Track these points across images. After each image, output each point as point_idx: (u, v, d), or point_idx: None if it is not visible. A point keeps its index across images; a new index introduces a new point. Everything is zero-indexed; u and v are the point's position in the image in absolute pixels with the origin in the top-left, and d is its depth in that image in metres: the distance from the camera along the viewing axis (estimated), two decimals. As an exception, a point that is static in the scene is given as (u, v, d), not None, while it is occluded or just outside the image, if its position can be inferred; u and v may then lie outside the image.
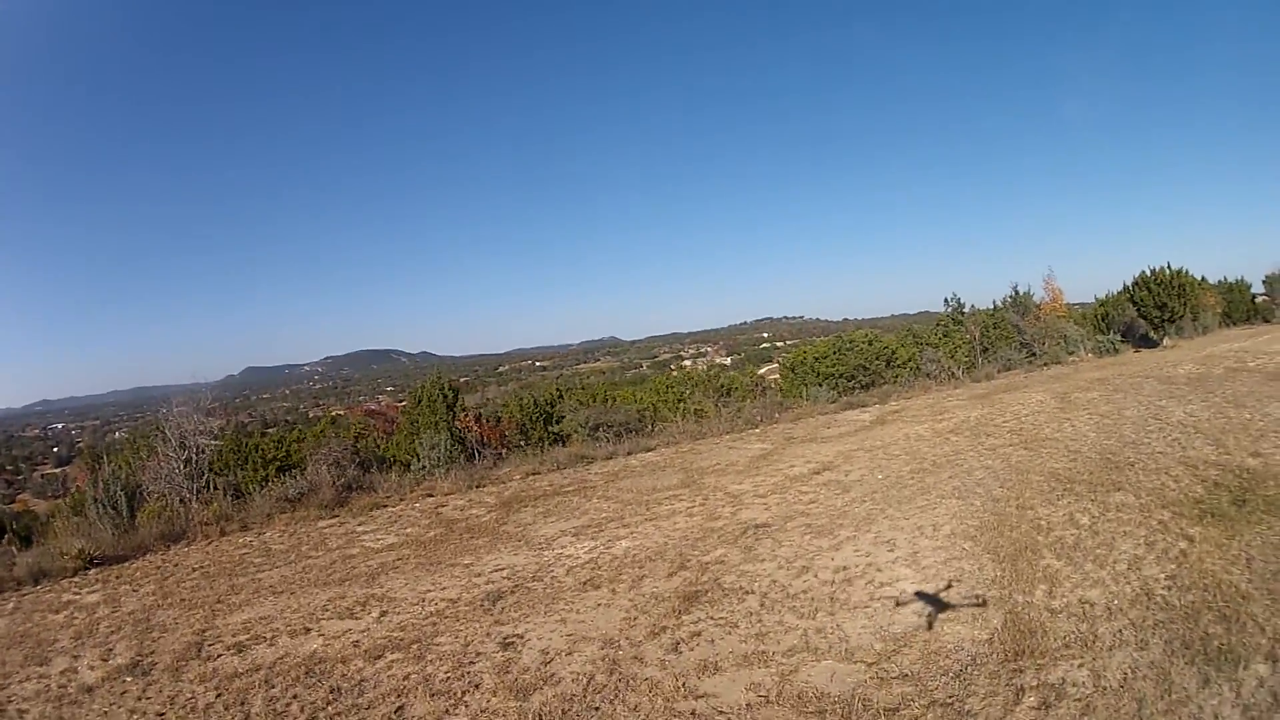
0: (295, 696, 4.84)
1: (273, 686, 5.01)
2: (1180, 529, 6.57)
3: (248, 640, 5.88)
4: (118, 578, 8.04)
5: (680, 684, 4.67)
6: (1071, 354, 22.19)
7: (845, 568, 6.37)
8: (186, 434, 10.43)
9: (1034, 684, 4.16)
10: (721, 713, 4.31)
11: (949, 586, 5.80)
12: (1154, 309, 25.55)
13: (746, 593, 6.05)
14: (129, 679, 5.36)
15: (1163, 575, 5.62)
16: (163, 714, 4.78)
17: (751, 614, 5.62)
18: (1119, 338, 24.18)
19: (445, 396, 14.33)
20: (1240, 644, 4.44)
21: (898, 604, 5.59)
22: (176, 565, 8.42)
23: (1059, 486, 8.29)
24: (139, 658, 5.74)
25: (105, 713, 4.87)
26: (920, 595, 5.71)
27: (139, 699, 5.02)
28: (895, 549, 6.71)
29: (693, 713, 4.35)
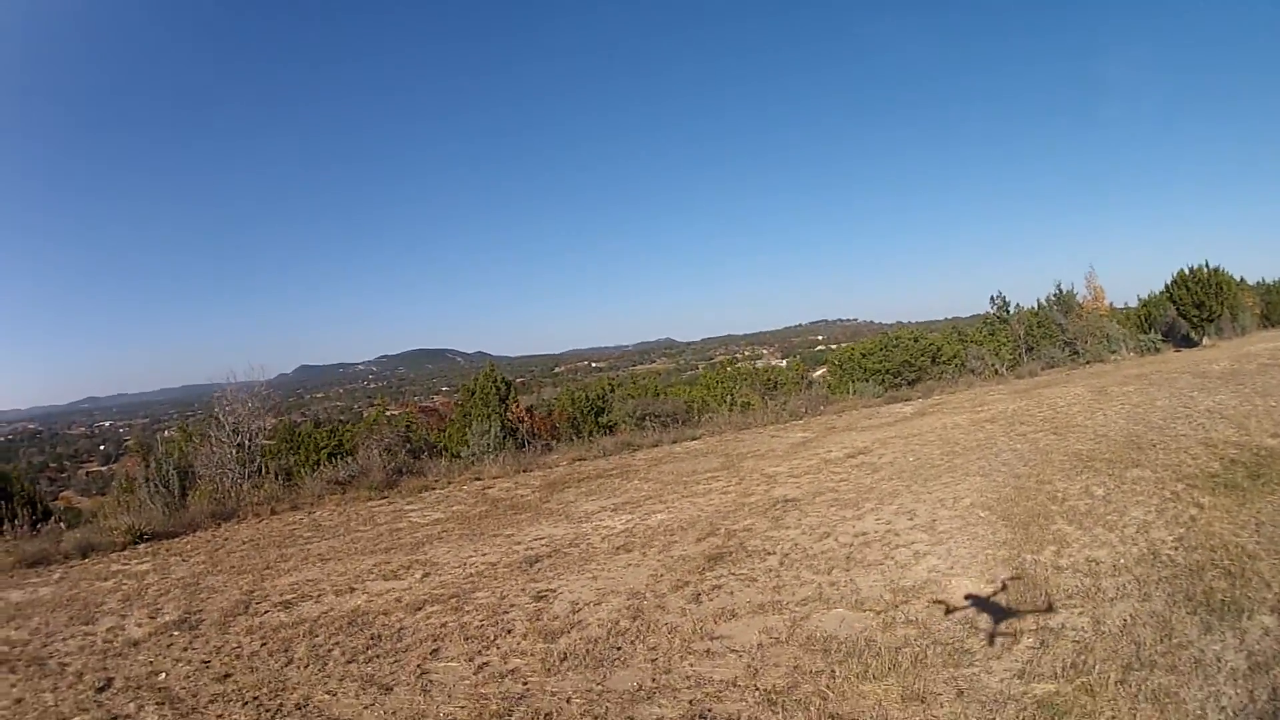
0: (337, 644, 5.36)
1: (316, 636, 5.53)
2: (1192, 498, 6.85)
3: (294, 599, 6.41)
4: (167, 551, 8.57)
5: (698, 628, 5.13)
6: (1113, 352, 22.42)
7: (864, 534, 6.77)
8: (241, 420, 11.11)
9: (1033, 628, 4.47)
10: (734, 651, 4.75)
11: (963, 551, 6.14)
12: (1192, 308, 25.82)
13: (768, 554, 6.49)
14: (176, 633, 5.85)
15: (1170, 538, 5.90)
16: (208, 662, 5.26)
17: (771, 571, 6.06)
18: (1160, 337, 24.44)
19: (498, 389, 14.96)
20: (1245, 597, 4.69)
21: (913, 560, 5.96)
22: (226, 539, 8.98)
23: (1080, 464, 8.57)
24: (187, 615, 6.23)
25: (150, 663, 5.33)
26: (933, 557, 6.06)
27: (185, 649, 5.51)
28: (915, 518, 7.09)
29: (708, 651, 4.81)
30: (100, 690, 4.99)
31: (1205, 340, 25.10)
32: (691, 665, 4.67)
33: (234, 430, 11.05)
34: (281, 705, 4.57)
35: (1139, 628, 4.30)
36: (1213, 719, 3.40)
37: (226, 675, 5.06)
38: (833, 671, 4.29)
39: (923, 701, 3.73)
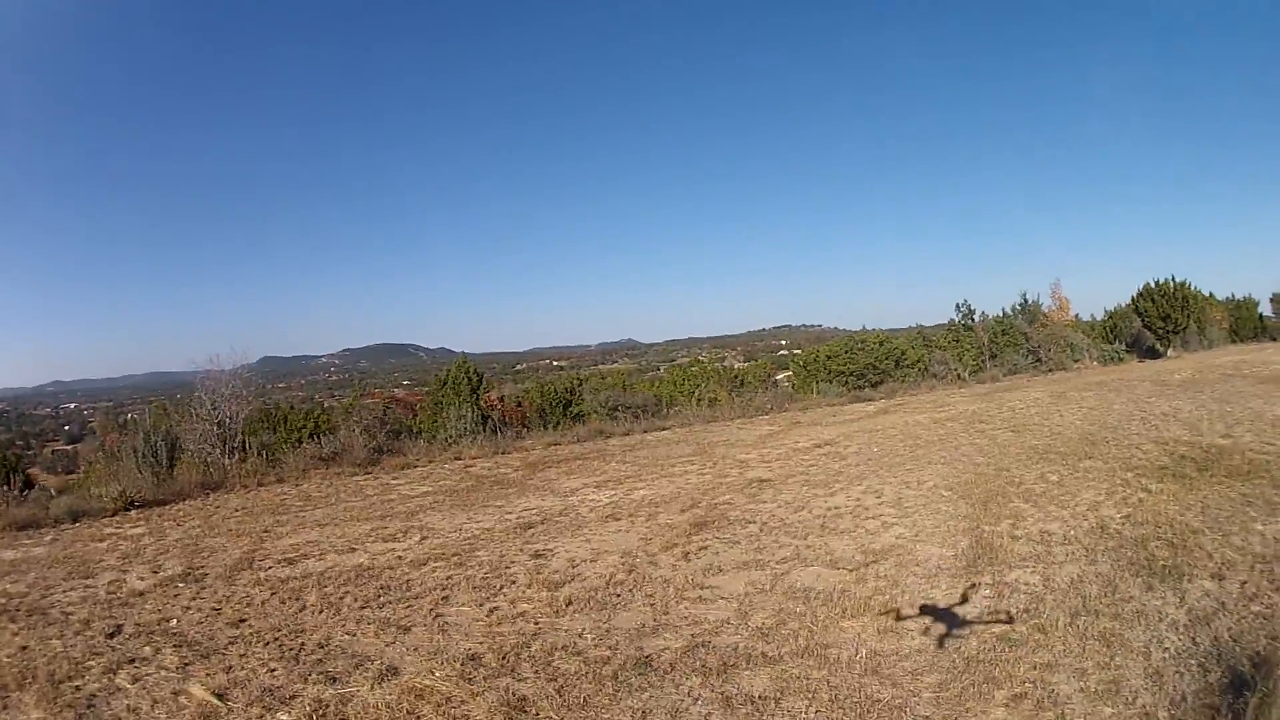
0: (348, 593, 5.75)
1: (325, 586, 5.91)
2: (1141, 484, 7.58)
3: (296, 557, 6.75)
4: (159, 516, 8.75)
5: (689, 580, 5.71)
6: (1076, 361, 23.31)
7: (835, 508, 7.48)
8: (219, 400, 11.25)
9: (990, 582, 5.10)
10: (724, 598, 5.37)
11: (927, 523, 6.88)
12: (1158, 320, 26.52)
13: (749, 522, 7.14)
14: (181, 585, 6.12)
15: (1118, 515, 6.51)
16: (218, 609, 5.57)
17: (752, 536, 6.70)
18: (1124, 348, 25.26)
19: (470, 380, 15.44)
20: (1186, 564, 5.12)
21: (881, 530, 6.67)
22: (218, 507, 9.19)
23: (1036, 456, 9.43)
24: (190, 569, 6.49)
25: (159, 609, 5.60)
26: (900, 527, 6.78)
27: (193, 599, 5.78)
28: (881, 497, 7.83)
29: (700, 598, 5.40)
30: (110, 636, 5.26)
31: (1170, 352, 26.00)
32: (687, 609, 5.25)
33: (213, 407, 11.20)
34: (303, 645, 4.96)
35: (1086, 585, 4.81)
36: (1156, 657, 3.79)
37: (241, 620, 5.40)
38: (814, 613, 4.91)
39: (895, 634, 4.35)
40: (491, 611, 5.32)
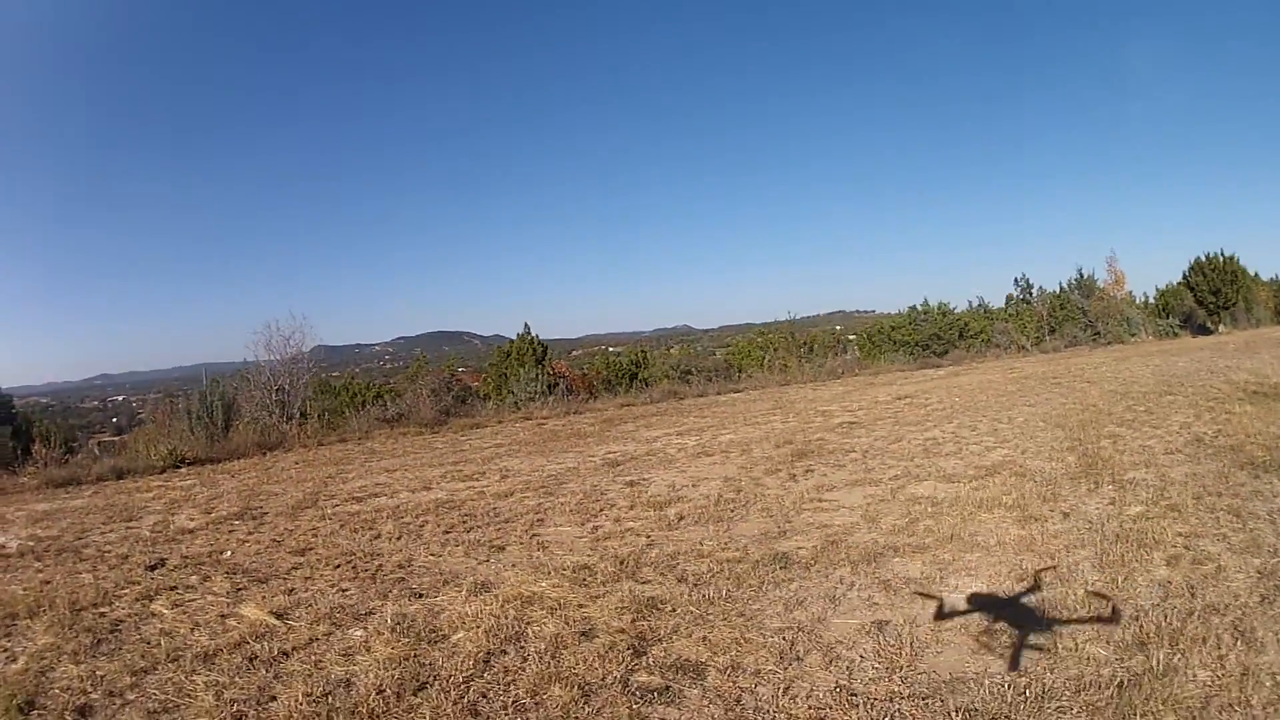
0: (426, 522, 4.33)
1: (402, 517, 4.48)
2: (1224, 409, 6.54)
3: (365, 495, 5.28)
4: (213, 471, 7.11)
5: (804, 495, 4.42)
6: (1133, 335, 20.81)
7: (933, 438, 6.18)
8: (278, 374, 9.66)
9: (1109, 482, 4.23)
10: (844, 507, 4.15)
11: (1029, 445, 5.62)
12: (1209, 294, 23.91)
13: (849, 452, 5.80)
14: (237, 523, 4.70)
15: (1210, 431, 5.60)
16: (279, 541, 4.18)
17: (856, 461, 5.40)
18: (1178, 323, 22.50)
19: (534, 351, 13.49)
20: None
21: (985, 451, 5.38)
22: (276, 462, 7.57)
23: (1118, 396, 8.20)
24: (247, 509, 5.04)
25: (210, 544, 4.23)
26: (1004, 449, 5.50)
27: (250, 534, 4.39)
28: (977, 429, 6.53)
29: (820, 509, 4.14)
30: (152, 569, 3.85)
31: (1221, 329, 23.21)
32: (809, 518, 3.98)
33: (272, 375, 9.59)
34: (380, 567, 3.56)
35: (1200, 478, 4.15)
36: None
37: (305, 549, 3.98)
38: (945, 513, 3.84)
39: (1037, 520, 3.50)
40: (594, 530, 3.96)
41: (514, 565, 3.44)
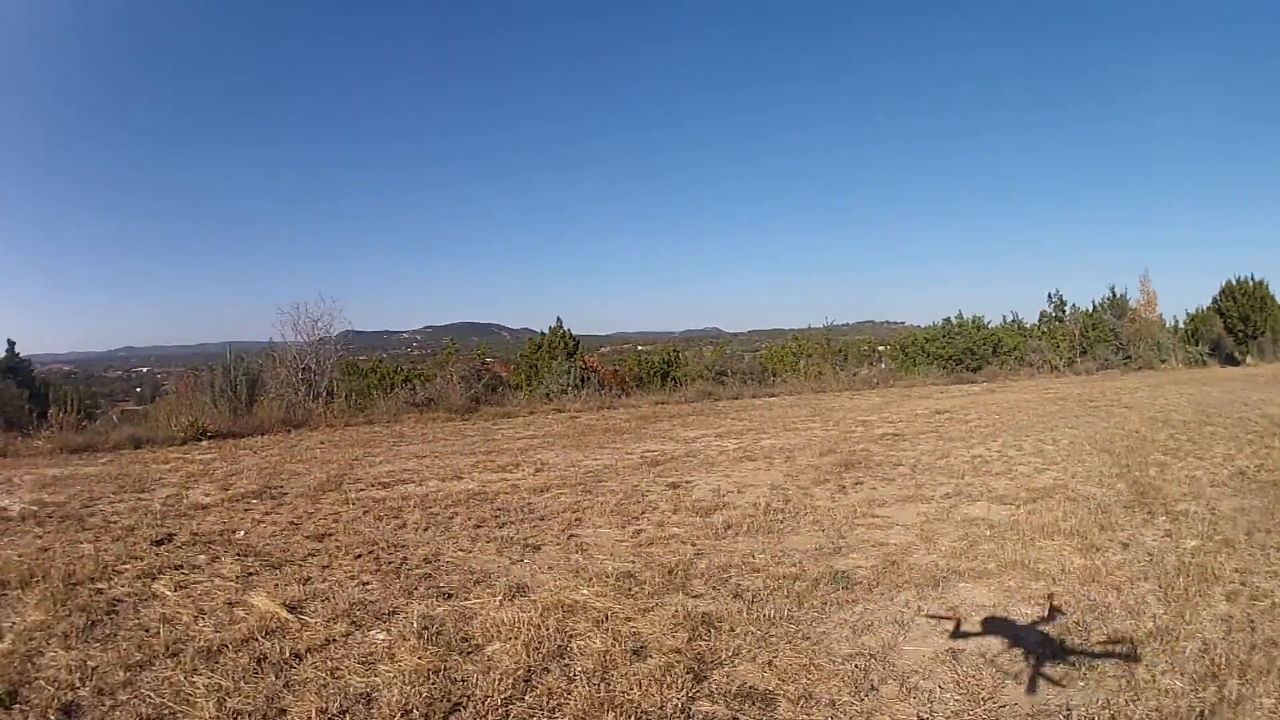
0: (456, 514, 3.97)
1: (430, 507, 4.12)
2: (1264, 443, 6.20)
3: (391, 481, 4.90)
4: (234, 446, 6.70)
5: (855, 509, 4.03)
6: (1164, 360, 19.96)
7: (980, 456, 5.77)
8: (304, 353, 9.18)
9: (1162, 513, 4.01)
10: (899, 525, 3.79)
11: (1078, 469, 5.21)
12: (1239, 321, 22.54)
13: (896, 465, 5.40)
14: (254, 501, 4.34)
15: (1252, 465, 5.31)
16: (297, 524, 3.83)
17: (905, 476, 4.99)
18: (1207, 351, 21.41)
19: (566, 344, 12.96)
20: None
21: (1035, 473, 4.97)
22: (300, 440, 7.10)
23: (1159, 423, 7.78)
24: (266, 488, 4.68)
25: (223, 521, 3.88)
26: (1053, 471, 5.10)
27: (267, 514, 4.03)
28: (1022, 449, 6.12)
29: (874, 525, 3.77)
30: (158, 543, 3.53)
31: (1249, 360, 21.96)
32: (863, 534, 3.61)
33: (299, 355, 9.13)
34: (405, 559, 3.20)
35: (1248, 513, 3.97)
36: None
37: (325, 535, 3.63)
38: (1003, 537, 3.51)
39: (1099, 550, 3.30)
40: (636, 534, 3.58)
41: (551, 568, 3.07)
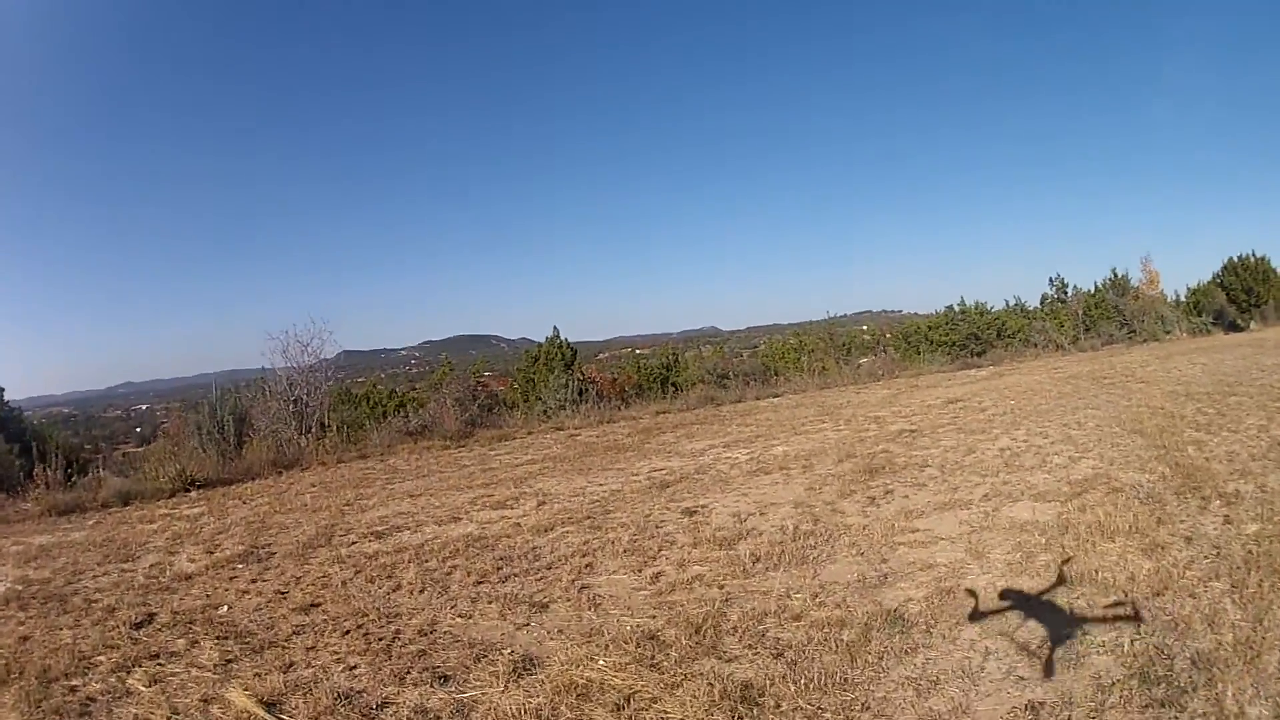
0: (456, 566, 3.57)
1: (426, 561, 3.71)
2: None
3: (386, 530, 4.48)
4: (223, 495, 6.31)
5: (892, 524, 3.61)
6: (1168, 333, 19.77)
7: (1008, 449, 5.33)
8: (296, 379, 8.73)
9: (1215, 496, 3.71)
10: (942, 538, 3.40)
11: (1113, 454, 4.83)
12: (1242, 294, 23.02)
13: (923, 466, 4.97)
14: (240, 566, 3.93)
15: None
16: (284, 593, 3.42)
17: (935, 478, 4.58)
18: (1210, 321, 21.47)
19: (563, 355, 12.37)
20: None
21: (1070, 463, 4.58)
22: (291, 484, 6.69)
23: (1181, 397, 7.31)
24: (253, 549, 4.27)
25: (207, 595, 3.48)
26: (1088, 460, 4.71)
27: (253, 582, 3.64)
28: (1048, 437, 5.68)
29: (915, 542, 3.37)
30: (137, 626, 3.13)
31: (1253, 325, 22.08)
32: (905, 554, 3.21)
33: (290, 385, 8.68)
34: (398, 632, 2.80)
35: None
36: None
37: (313, 605, 3.22)
38: (1060, 543, 3.17)
39: (1162, 549, 3.01)
40: (655, 578, 3.16)
41: (561, 631, 2.67)
